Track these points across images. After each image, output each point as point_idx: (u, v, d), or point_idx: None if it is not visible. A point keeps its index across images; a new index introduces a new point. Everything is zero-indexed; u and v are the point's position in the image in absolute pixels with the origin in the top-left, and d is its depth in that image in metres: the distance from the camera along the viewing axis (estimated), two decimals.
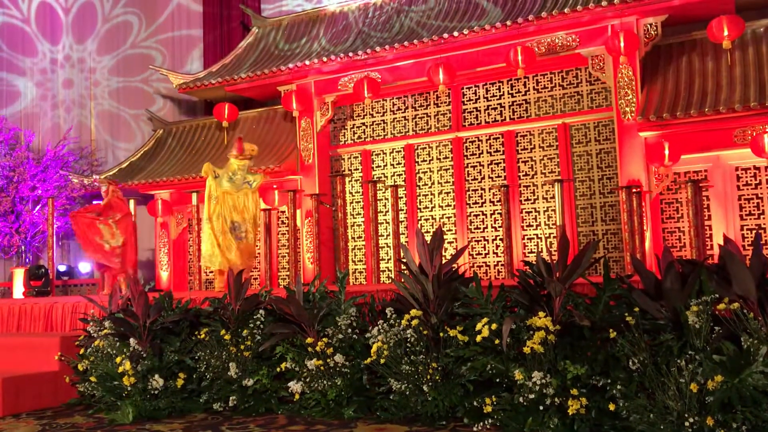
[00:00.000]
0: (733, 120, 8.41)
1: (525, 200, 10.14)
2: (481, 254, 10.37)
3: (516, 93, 10.33)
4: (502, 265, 10.06)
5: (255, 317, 5.69)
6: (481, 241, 10.40)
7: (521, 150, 10.24)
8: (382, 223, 10.66)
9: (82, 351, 6.15)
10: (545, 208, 10.01)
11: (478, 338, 4.62)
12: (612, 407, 4.15)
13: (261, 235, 9.76)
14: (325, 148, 11.40)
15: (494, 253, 10.28)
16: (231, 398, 5.60)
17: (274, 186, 10.74)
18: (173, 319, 5.91)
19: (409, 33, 10.57)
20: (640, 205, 8.58)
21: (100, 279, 9.77)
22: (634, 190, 8.59)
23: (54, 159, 14.16)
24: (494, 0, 10.21)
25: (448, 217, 10.64)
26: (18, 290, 11.88)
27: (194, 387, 5.77)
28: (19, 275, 12.09)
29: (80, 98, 15.25)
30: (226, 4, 13.93)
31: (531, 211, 10.10)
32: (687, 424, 3.78)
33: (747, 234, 8.69)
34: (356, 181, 11.30)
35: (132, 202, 10.43)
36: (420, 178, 10.92)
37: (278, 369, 5.44)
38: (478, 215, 10.46)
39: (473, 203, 10.51)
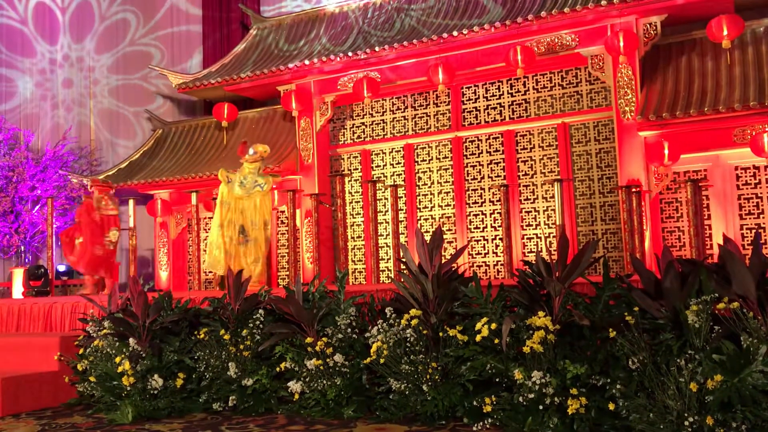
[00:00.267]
0: (733, 119, 8.41)
1: (524, 200, 10.14)
2: (481, 254, 10.37)
3: (515, 93, 10.33)
4: (501, 264, 10.06)
5: (254, 317, 5.69)
6: (480, 240, 10.40)
7: (521, 150, 10.24)
8: (382, 222, 10.66)
9: (81, 351, 6.15)
10: (545, 208, 10.01)
11: (478, 338, 4.62)
12: (612, 407, 4.14)
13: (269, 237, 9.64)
14: (325, 148, 11.40)
15: (494, 252, 10.28)
16: (230, 398, 5.60)
17: (274, 186, 10.73)
18: (172, 319, 5.91)
19: (410, 32, 10.56)
20: (639, 204, 8.58)
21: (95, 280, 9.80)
22: (633, 189, 8.59)
23: (53, 159, 14.17)
24: None
25: (448, 217, 10.63)
26: (17, 290, 11.89)
27: (194, 387, 5.77)
28: (18, 275, 12.10)
29: (80, 97, 15.26)
30: (226, 4, 13.93)
31: (530, 211, 10.10)
32: (687, 423, 3.78)
33: (746, 233, 8.69)
34: (356, 180, 11.30)
35: (131, 202, 10.46)
36: (419, 178, 10.92)
37: (278, 369, 5.44)
38: (478, 215, 10.46)
39: (473, 203, 10.51)
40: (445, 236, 10.34)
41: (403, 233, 10.57)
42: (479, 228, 10.43)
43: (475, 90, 10.59)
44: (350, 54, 10.45)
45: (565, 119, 9.92)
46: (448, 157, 10.72)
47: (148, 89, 14.68)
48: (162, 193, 12.28)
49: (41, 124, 15.19)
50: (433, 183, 10.81)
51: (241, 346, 5.58)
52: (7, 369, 6.27)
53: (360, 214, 11.21)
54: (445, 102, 10.80)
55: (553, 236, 9.74)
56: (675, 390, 3.87)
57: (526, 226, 10.10)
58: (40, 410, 6.00)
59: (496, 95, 10.46)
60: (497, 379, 4.61)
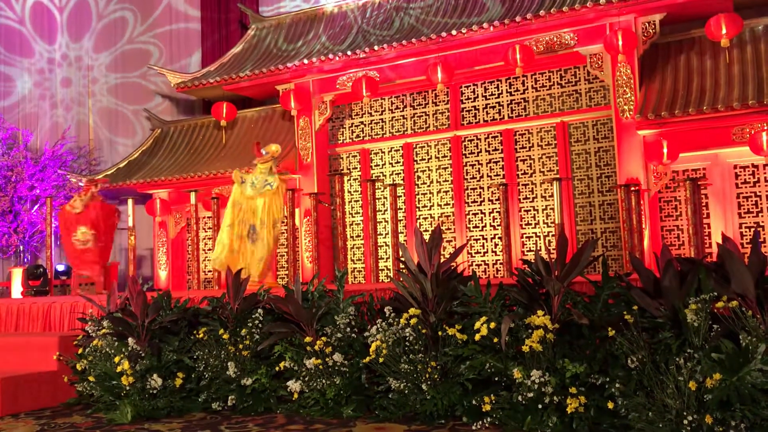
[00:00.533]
0: (732, 118, 8.41)
1: (524, 199, 10.14)
2: (480, 253, 10.37)
3: (514, 92, 10.33)
4: (500, 263, 10.07)
5: (254, 316, 5.69)
6: (479, 239, 10.40)
7: (520, 149, 10.24)
8: (381, 222, 10.66)
9: (80, 351, 6.14)
10: (544, 207, 10.01)
11: (477, 337, 4.62)
12: (611, 405, 4.14)
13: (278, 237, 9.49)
14: (324, 147, 11.39)
15: (493, 251, 10.28)
16: (230, 397, 5.59)
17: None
18: (172, 319, 5.90)
19: (409, 30, 10.56)
20: (638, 203, 8.58)
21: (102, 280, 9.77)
22: (632, 188, 8.59)
23: (52, 158, 14.16)
24: None
25: (447, 216, 10.63)
26: (16, 290, 11.89)
27: (193, 386, 5.76)
28: (17, 275, 12.10)
29: (79, 96, 15.25)
30: (224, 3, 13.92)
31: (530, 210, 10.11)
32: (686, 422, 3.78)
33: (745, 232, 8.70)
34: (355, 180, 11.30)
35: (130, 201, 10.45)
36: (419, 177, 10.91)
37: (277, 368, 5.44)
38: (477, 214, 10.46)
39: (472, 202, 10.51)
40: (444, 235, 10.33)
41: (402, 232, 10.57)
42: (478, 227, 10.43)
43: (474, 89, 10.59)
44: (349, 53, 10.45)
45: (564, 118, 9.92)
46: (447, 157, 10.71)
47: (147, 87, 14.68)
48: (161, 192, 12.27)
49: (40, 124, 15.19)
50: (432, 182, 10.81)
51: (240, 346, 5.58)
52: (6, 369, 6.26)
53: (359, 213, 11.21)
54: (444, 101, 10.80)
55: (552, 235, 9.74)
56: (674, 389, 3.87)
57: (525, 225, 10.10)
58: (39, 410, 6.00)
59: (495, 94, 10.46)
60: (496, 378, 4.61)
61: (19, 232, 13.60)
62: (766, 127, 8.23)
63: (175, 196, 12.30)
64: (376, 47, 10.27)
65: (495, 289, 4.99)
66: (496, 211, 10.20)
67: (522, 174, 10.19)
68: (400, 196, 10.67)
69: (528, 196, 10.13)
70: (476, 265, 10.32)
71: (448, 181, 10.67)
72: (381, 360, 4.94)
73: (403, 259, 5.31)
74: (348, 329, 5.34)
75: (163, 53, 14.55)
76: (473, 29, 9.59)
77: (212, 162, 12.00)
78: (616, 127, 9.10)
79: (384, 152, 11.20)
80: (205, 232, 12.04)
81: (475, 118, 10.56)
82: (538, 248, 9.73)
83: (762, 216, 8.69)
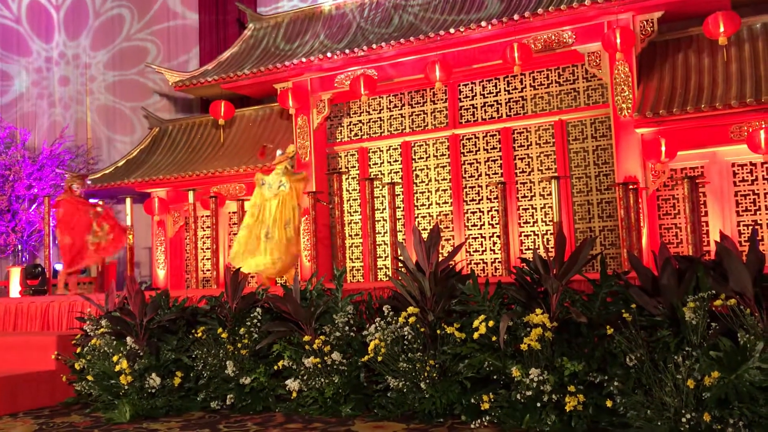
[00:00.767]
0: (730, 116, 8.42)
1: (522, 197, 10.14)
2: (478, 251, 10.38)
3: (513, 90, 10.33)
4: (499, 262, 10.07)
5: (252, 315, 5.68)
6: (478, 238, 10.40)
7: (518, 147, 10.24)
8: (379, 220, 10.66)
9: (78, 350, 6.14)
10: (542, 205, 10.01)
11: (476, 335, 4.62)
12: (609, 404, 4.15)
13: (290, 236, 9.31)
14: (322, 146, 11.39)
15: (491, 250, 10.29)
16: (228, 396, 5.59)
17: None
18: (170, 318, 5.90)
19: (408, 28, 10.55)
20: (636, 201, 8.59)
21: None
22: (630, 186, 8.59)
23: (50, 157, 14.15)
24: None
25: (445, 215, 10.64)
26: (14, 289, 11.87)
27: (191, 385, 5.76)
28: (15, 274, 12.09)
29: (77, 94, 15.24)
30: (222, 2, 13.90)
31: (528, 208, 10.11)
32: (684, 420, 3.78)
33: (743, 230, 8.71)
34: (353, 178, 11.29)
35: (128, 200, 10.44)
36: (417, 176, 10.91)
37: (275, 367, 5.44)
38: (475, 212, 10.46)
39: (470, 200, 10.51)
40: (442, 234, 10.34)
41: (401, 231, 10.58)
42: (477, 225, 10.43)
43: (472, 87, 10.59)
44: (347, 51, 10.44)
45: (562, 116, 9.92)
46: (445, 155, 10.71)
47: (146, 84, 14.67)
48: (159, 191, 12.26)
49: (39, 123, 15.17)
50: (430, 180, 10.81)
51: (239, 345, 5.58)
52: (4, 368, 6.26)
53: (357, 212, 11.20)
54: (442, 99, 10.79)
55: (551, 233, 9.74)
56: (672, 387, 3.87)
57: (524, 223, 10.11)
58: (38, 409, 6.00)
59: (493, 93, 10.46)
60: (495, 377, 4.61)
61: (17, 231, 13.59)
62: (763, 125, 8.23)
63: (173, 195, 12.29)
64: (374, 45, 10.26)
65: (493, 287, 5.00)
66: (495, 210, 10.20)
67: (520, 172, 10.19)
68: (399, 194, 10.67)
69: (526, 194, 10.13)
70: (474, 263, 10.32)
71: (446, 179, 10.67)
72: (379, 359, 4.94)
73: (401, 257, 5.31)
74: (346, 328, 5.34)
75: (161, 50, 14.54)
76: (471, 27, 9.58)
77: (210, 161, 11.99)
78: (615, 126, 9.11)
79: (382, 151, 11.20)
80: (204, 231, 12.04)
81: (474, 117, 10.56)
82: (537, 247, 9.73)
83: (760, 214, 8.70)
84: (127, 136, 14.70)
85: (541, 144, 10.09)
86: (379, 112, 11.26)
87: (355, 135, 11.39)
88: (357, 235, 11.21)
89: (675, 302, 4.18)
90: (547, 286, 4.62)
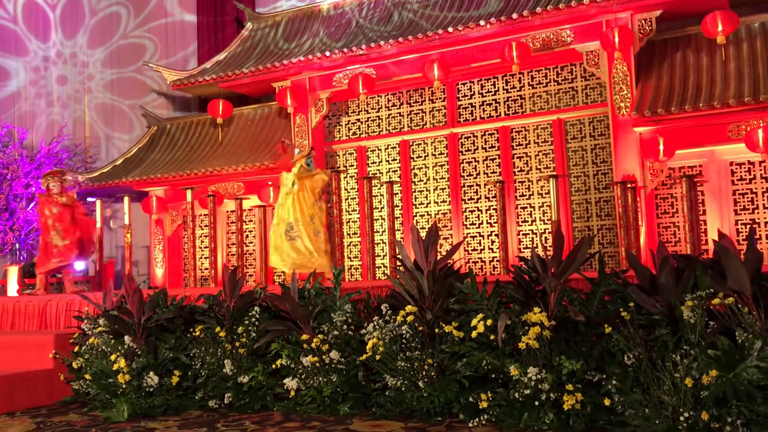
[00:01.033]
0: (728, 115, 8.42)
1: (520, 196, 10.14)
2: (477, 250, 10.38)
3: (511, 89, 10.33)
4: (497, 260, 10.07)
5: (250, 314, 5.68)
6: (476, 236, 10.40)
7: (516, 146, 10.24)
8: (378, 219, 10.66)
9: (76, 349, 6.14)
10: (540, 204, 10.01)
11: (474, 334, 4.62)
12: (607, 402, 4.15)
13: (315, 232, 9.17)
14: (320, 145, 11.38)
15: (489, 248, 10.29)
16: (226, 395, 5.59)
17: (269, 182, 10.73)
18: (168, 317, 5.90)
19: (408, 25, 10.54)
20: (635, 200, 8.59)
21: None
22: (629, 185, 8.60)
23: (47, 156, 14.13)
24: None
25: (444, 213, 10.63)
26: (12, 288, 11.86)
27: (189, 384, 5.76)
28: (13, 273, 12.08)
29: (75, 93, 15.21)
30: (220, 1, 13.88)
31: (526, 207, 10.11)
32: (682, 418, 3.78)
33: (741, 229, 8.72)
34: (351, 177, 11.29)
35: (126, 199, 10.43)
36: (415, 174, 10.91)
37: (273, 366, 5.44)
38: (474, 211, 10.46)
39: (468, 199, 10.51)
40: (440, 232, 10.33)
41: (399, 230, 10.58)
42: (475, 224, 10.43)
43: (470, 86, 10.59)
44: (345, 50, 10.43)
45: (561, 115, 9.92)
46: (443, 154, 10.71)
47: (144, 82, 14.65)
48: (157, 190, 12.25)
49: (37, 122, 15.14)
50: (428, 179, 10.81)
51: (237, 344, 5.58)
52: (2, 367, 6.25)
53: (356, 210, 11.20)
54: (440, 98, 10.79)
55: (549, 232, 9.74)
56: (670, 385, 3.88)
57: (522, 222, 10.11)
58: (36, 408, 5.99)
59: (491, 91, 10.45)
60: (493, 376, 4.61)
61: (15, 230, 13.57)
62: (761, 124, 8.24)
63: (171, 193, 12.28)
64: (372, 44, 10.25)
65: (491, 286, 5.00)
66: (493, 209, 10.20)
67: (518, 171, 10.19)
68: (397, 193, 10.66)
69: (524, 193, 10.13)
70: (473, 262, 10.32)
71: (444, 178, 10.67)
72: (378, 357, 4.94)
73: (399, 256, 5.31)
74: (345, 327, 5.34)
75: (158, 47, 14.52)
76: (470, 26, 9.58)
77: (209, 160, 11.97)
78: (613, 124, 9.11)
79: (381, 149, 11.19)
80: (202, 229, 12.03)
81: (472, 116, 10.55)
82: (535, 245, 9.74)
83: (758, 213, 8.70)
84: (126, 134, 14.69)
85: (540, 143, 10.09)
86: (378, 111, 11.25)
87: (354, 134, 11.39)
88: (355, 233, 11.21)
89: (673, 301, 4.18)
90: (545, 284, 4.62)
